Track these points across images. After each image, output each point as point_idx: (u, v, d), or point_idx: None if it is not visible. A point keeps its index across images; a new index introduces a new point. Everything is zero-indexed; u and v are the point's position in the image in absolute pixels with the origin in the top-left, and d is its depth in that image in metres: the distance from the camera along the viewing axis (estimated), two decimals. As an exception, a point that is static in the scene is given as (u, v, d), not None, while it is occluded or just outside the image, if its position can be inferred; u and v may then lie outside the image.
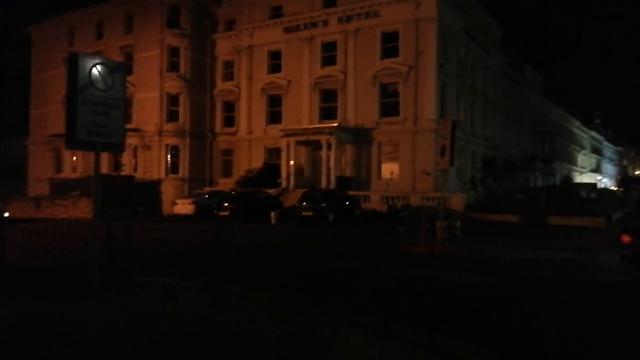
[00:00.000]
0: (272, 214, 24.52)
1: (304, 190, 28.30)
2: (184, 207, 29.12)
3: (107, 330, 6.51)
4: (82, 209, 32.03)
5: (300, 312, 7.43)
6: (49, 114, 45.98)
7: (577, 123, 76.78)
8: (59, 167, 43.81)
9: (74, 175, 40.37)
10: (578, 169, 75.06)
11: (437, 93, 31.71)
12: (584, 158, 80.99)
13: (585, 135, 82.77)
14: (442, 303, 8.66)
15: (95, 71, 8.37)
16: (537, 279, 10.98)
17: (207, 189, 35.57)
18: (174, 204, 30.53)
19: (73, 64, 8.22)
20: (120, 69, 8.84)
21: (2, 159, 61.84)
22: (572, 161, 73.30)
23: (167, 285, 9.24)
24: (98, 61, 8.53)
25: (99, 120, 8.44)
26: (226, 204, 26.02)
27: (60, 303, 7.88)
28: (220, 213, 25.83)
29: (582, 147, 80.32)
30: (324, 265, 12.21)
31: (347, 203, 26.40)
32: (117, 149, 9.11)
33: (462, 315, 7.84)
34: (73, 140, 8.24)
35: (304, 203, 24.75)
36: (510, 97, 49.70)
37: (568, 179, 51.58)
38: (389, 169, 32.81)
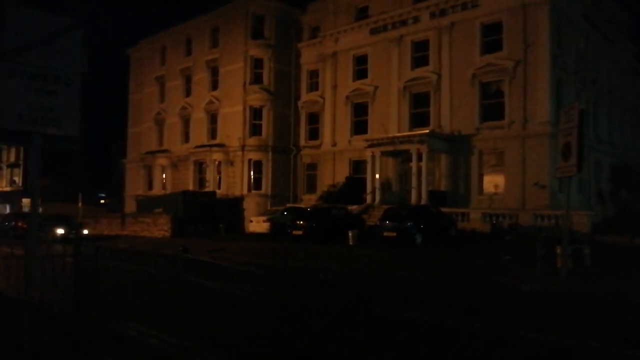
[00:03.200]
0: (350, 233, 21.17)
1: (388, 206, 24.61)
2: (259, 225, 26.84)
3: None
4: (161, 227, 31.18)
5: None
6: (143, 132, 47.00)
7: None
8: (150, 185, 44.25)
9: (163, 193, 40.29)
10: None
11: (552, 90, 26.51)
12: None
13: None
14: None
15: (32, 30, 5.77)
16: None
17: (289, 205, 33.15)
18: (250, 221, 28.38)
19: (-2, 19, 5.65)
20: (74, 29, 6.17)
21: (114, 178, 65.37)
22: None
23: (135, 340, 6.32)
24: (38, 16, 5.93)
25: (37, 101, 5.79)
26: (300, 222, 23.19)
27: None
28: (294, 232, 23.09)
29: None
30: (389, 314, 8.51)
31: (440, 222, 22.27)
32: (69, 143, 6.33)
33: None
34: (-5, 130, 5.63)
35: (387, 222, 21.10)
36: (642, 96, 41.95)
37: None
38: (492, 182, 27.98)
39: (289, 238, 23.34)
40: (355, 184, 32.00)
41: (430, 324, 8.07)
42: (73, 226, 28.80)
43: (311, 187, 37.43)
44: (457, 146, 28.93)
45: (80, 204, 35.44)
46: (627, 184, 26.13)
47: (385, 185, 30.88)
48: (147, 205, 35.66)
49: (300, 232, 22.79)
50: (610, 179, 28.48)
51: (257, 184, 37.44)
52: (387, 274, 13.76)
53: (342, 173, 34.12)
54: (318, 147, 36.70)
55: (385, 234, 20.79)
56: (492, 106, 28.35)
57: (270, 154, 37.39)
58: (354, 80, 34.64)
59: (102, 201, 67.84)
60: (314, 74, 38.36)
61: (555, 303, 9.96)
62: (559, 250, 12.58)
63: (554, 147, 20.70)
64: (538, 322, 8.11)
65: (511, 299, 10.36)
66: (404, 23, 32.09)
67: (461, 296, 10.72)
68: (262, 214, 29.25)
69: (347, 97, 34.72)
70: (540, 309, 9.43)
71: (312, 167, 37.94)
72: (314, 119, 38.08)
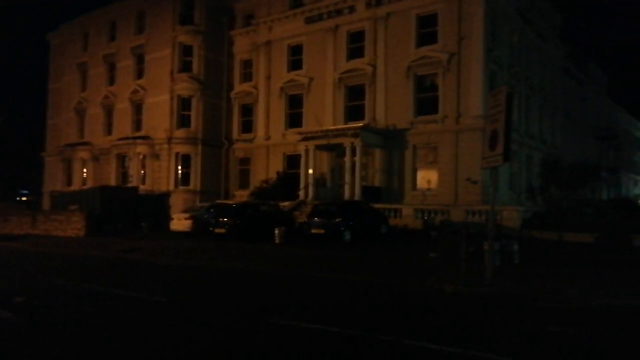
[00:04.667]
0: (277, 231, 19.70)
1: (316, 202, 23.36)
2: (181, 222, 24.77)
3: None
4: (74, 225, 28.39)
5: None
6: (63, 123, 43.46)
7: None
8: (70, 180, 40.87)
9: (81, 188, 37.20)
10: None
11: (485, 84, 26.16)
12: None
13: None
14: None
15: None
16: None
17: (218, 201, 31.20)
18: (172, 219, 26.27)
19: None
20: None
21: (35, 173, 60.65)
22: (638, 171, 64.48)
23: None
24: None
25: None
26: (224, 220, 21.43)
27: None
28: (216, 230, 21.30)
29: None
30: (286, 325, 7.14)
31: (371, 218, 21.23)
32: None
33: None
34: None
35: (316, 218, 19.83)
36: (570, 96, 43.11)
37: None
38: (425, 177, 27.38)
39: (211, 236, 21.57)
40: (289, 180, 30.59)
41: (331, 336, 6.74)
42: (-31, 225, 25.65)
43: (244, 183, 35.69)
44: (391, 140, 28.13)
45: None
46: (556, 180, 26.22)
47: (320, 180, 29.67)
48: (62, 202, 32.57)
49: (223, 230, 21.04)
50: (540, 175, 28.61)
51: (185, 179, 35.20)
52: (303, 275, 12.42)
53: (276, 168, 32.61)
54: (251, 140, 35.01)
55: (313, 230, 19.53)
56: (426, 100, 27.74)
57: (199, 147, 35.24)
58: (288, 71, 33.20)
59: (24, 198, 62.96)
60: (247, 64, 36.60)
61: (478, 307, 8.93)
62: (486, 247, 11.69)
63: (487, 127, 20.16)
64: (457, 333, 6.97)
65: (428, 305, 9.25)
66: (339, 12, 30.97)
67: (376, 301, 9.51)
68: (186, 211, 27.19)
69: (281, 88, 33.22)
70: (461, 316, 8.35)
71: (245, 161, 36.18)
72: (247, 111, 36.33)
